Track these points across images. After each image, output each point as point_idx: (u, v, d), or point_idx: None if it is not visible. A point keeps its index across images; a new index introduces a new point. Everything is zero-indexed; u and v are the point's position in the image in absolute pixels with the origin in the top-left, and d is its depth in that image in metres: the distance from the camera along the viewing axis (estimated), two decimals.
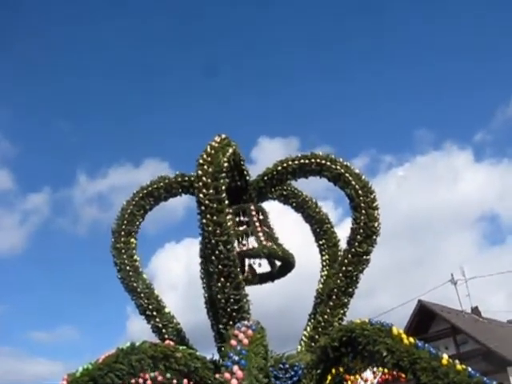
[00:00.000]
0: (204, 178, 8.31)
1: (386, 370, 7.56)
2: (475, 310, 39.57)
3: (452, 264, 68.38)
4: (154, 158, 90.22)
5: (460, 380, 5.71)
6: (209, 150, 8.70)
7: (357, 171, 9.73)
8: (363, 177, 9.66)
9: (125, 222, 10.19)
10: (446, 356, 6.16)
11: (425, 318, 34.83)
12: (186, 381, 7.22)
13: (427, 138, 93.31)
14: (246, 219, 10.08)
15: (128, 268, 9.82)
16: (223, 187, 8.42)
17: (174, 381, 7.04)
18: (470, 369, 5.97)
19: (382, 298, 65.15)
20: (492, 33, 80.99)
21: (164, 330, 9.63)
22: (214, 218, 8.12)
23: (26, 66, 76.52)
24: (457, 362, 6.10)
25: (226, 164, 8.62)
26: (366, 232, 9.23)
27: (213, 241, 8.08)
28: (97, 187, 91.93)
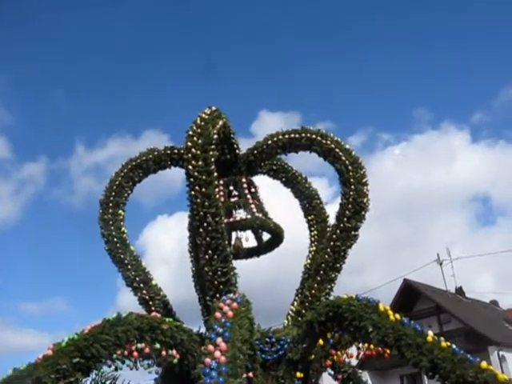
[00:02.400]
0: (193, 150, 8.24)
1: (371, 346, 7.64)
2: (459, 290, 40.08)
3: (442, 244, 68.97)
4: (155, 130, 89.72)
5: (444, 357, 5.74)
6: (199, 121, 8.61)
7: (347, 146, 9.70)
8: (353, 152, 9.63)
9: (113, 193, 10.14)
10: (431, 333, 6.20)
11: (410, 297, 35.24)
12: (174, 352, 7.25)
13: (425, 117, 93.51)
14: (237, 191, 10.07)
15: (115, 240, 9.79)
16: (212, 159, 8.35)
17: (163, 352, 7.06)
18: (454, 346, 6.01)
19: (371, 276, 65.67)
20: (497, 16, 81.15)
21: (151, 302, 9.62)
22: (203, 189, 8.06)
23: (24, 32, 75.66)
24: (442, 339, 6.15)
25: (215, 136, 8.54)
26: (354, 207, 9.21)
27: (201, 213, 8.03)
28: (94, 158, 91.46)
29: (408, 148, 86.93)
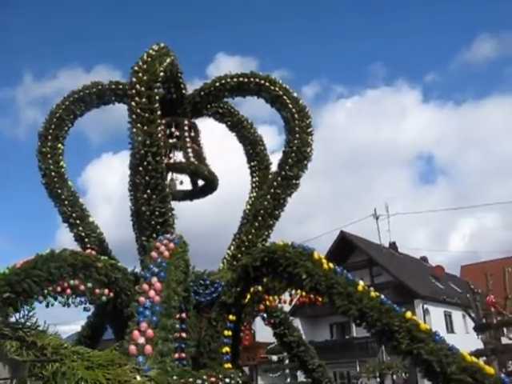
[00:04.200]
0: (138, 86, 8.02)
1: (303, 293, 7.77)
2: (393, 245, 41.25)
3: (384, 199, 70.59)
4: (107, 65, 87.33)
5: (372, 306, 5.89)
6: (145, 57, 8.36)
7: (295, 95, 9.64)
8: (301, 101, 9.58)
9: (52, 126, 9.84)
10: (361, 283, 6.34)
11: (345, 248, 35.97)
12: (106, 291, 7.19)
13: (380, 73, 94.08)
14: (178, 133, 9.91)
15: (53, 174, 9.55)
16: (157, 97, 8.17)
17: (97, 290, 7.00)
18: (382, 296, 6.17)
19: (313, 226, 66.85)
20: None
21: (86, 240, 9.50)
22: (145, 127, 7.89)
23: None
24: (371, 289, 6.30)
25: (162, 74, 8.33)
26: (297, 156, 9.23)
27: (142, 151, 7.87)
28: (42, 89, 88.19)
29: (360, 102, 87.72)
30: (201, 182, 10.50)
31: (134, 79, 8.11)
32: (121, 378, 1.61)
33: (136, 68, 8.22)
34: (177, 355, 7.35)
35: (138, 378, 1.68)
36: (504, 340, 18.38)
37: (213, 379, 6.88)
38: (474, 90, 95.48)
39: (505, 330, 18.54)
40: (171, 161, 9.59)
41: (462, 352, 5.39)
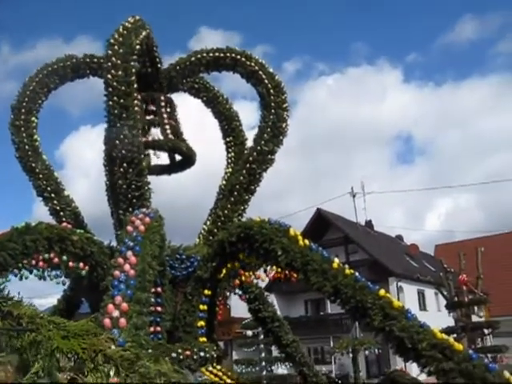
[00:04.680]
0: (114, 59, 7.92)
1: (279, 269, 7.82)
2: (368, 223, 41.59)
3: (362, 177, 71.04)
4: (87, 36, 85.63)
5: (346, 283, 5.96)
6: (121, 30, 8.26)
7: (271, 70, 9.61)
8: (277, 77, 9.56)
9: (26, 99, 9.69)
10: (336, 260, 6.39)
11: (321, 225, 36.19)
12: (82, 264, 7.17)
13: (363, 52, 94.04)
14: (154, 109, 9.85)
15: (27, 147, 9.43)
16: (133, 70, 8.08)
17: (72, 263, 6.97)
18: (357, 274, 6.24)
19: (290, 203, 67.13)
20: None
21: (62, 213, 9.43)
22: (121, 100, 7.81)
23: None
24: (346, 266, 6.36)
25: (137, 47, 8.25)
26: (273, 131, 9.23)
27: (118, 124, 7.80)
28: (21, 59, 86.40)
29: (341, 80, 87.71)
30: (179, 157, 10.45)
31: (110, 52, 8.01)
32: (96, 348, 1.62)
33: (112, 41, 8.12)
34: (152, 329, 7.39)
35: (113, 347, 1.70)
36: (474, 318, 18.74)
37: (188, 352, 6.94)
38: (454, 71, 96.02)
39: (475, 308, 18.88)
40: (150, 138, 9.55)
41: (432, 329, 5.49)
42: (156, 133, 9.73)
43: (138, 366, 1.55)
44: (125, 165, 7.88)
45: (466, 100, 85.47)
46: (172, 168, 10.65)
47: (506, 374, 4.94)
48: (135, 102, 8.10)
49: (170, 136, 9.66)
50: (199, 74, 10.36)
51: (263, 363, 24.69)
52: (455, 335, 15.42)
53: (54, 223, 7.98)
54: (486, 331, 17.32)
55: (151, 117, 9.83)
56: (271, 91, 9.32)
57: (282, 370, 26.39)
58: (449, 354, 5.13)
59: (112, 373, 1.53)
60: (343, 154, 73.98)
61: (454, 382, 5.00)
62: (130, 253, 6.25)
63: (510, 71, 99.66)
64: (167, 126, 9.72)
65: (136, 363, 1.57)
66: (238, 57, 9.67)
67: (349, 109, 77.06)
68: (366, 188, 37.88)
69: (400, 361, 19.23)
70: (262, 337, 24.12)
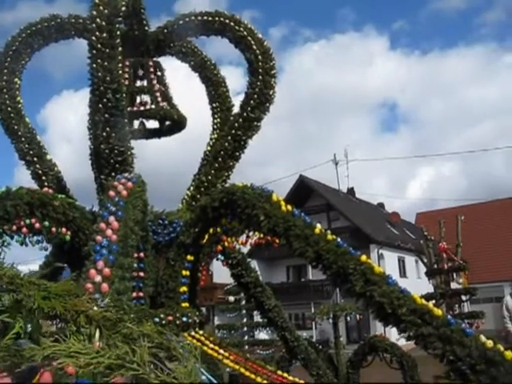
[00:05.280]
0: (98, 20, 7.75)
1: (261, 235, 7.85)
2: (350, 191, 41.91)
3: (347, 145, 71.02)
4: None
5: (328, 248, 5.98)
6: None
7: (260, 36, 9.48)
8: (265, 42, 9.43)
9: (8, 59, 9.47)
10: (319, 226, 6.41)
11: (303, 192, 36.42)
12: (64, 229, 7.13)
13: (349, 18, 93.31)
14: (143, 74, 9.74)
15: (9, 109, 9.26)
16: (118, 32, 7.92)
17: (54, 229, 6.93)
18: (339, 239, 6.27)
19: (274, 169, 67.29)
20: None
21: (44, 177, 9.32)
22: (105, 63, 7.65)
23: None
24: (328, 232, 6.39)
25: (123, 8, 8.09)
26: (260, 98, 9.15)
27: (101, 88, 7.65)
28: (1, 20, 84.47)
29: (327, 46, 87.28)
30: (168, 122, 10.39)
31: (95, 13, 7.84)
32: (78, 308, 1.62)
33: (96, 1, 7.93)
34: (135, 294, 7.40)
35: (95, 308, 1.70)
36: (453, 285, 19.03)
37: (170, 317, 6.98)
38: (441, 40, 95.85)
39: (454, 275, 19.16)
40: (141, 108, 9.51)
41: (412, 295, 5.55)
42: (146, 100, 9.64)
43: (121, 327, 1.56)
44: (108, 129, 7.77)
45: (452, 69, 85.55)
46: (161, 132, 10.56)
47: (482, 338, 5.06)
48: (119, 65, 7.98)
49: (161, 104, 9.57)
50: (187, 37, 10.21)
51: (245, 328, 24.96)
52: (434, 301, 15.65)
53: (35, 188, 7.89)
54: (464, 298, 17.61)
55: (141, 83, 9.70)
56: (259, 57, 9.20)
57: (263, 335, 26.71)
58: (428, 319, 5.21)
59: (95, 334, 1.53)
60: (328, 121, 74.09)
61: (433, 347, 5.09)
62: (112, 218, 6.22)
63: (496, 41, 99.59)
64: (158, 93, 9.62)
65: (118, 324, 1.57)
66: (227, 21, 9.51)
67: (334, 76, 76.90)
68: (349, 155, 38.15)
69: (380, 326, 19.55)
70: (244, 302, 24.33)
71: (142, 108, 9.57)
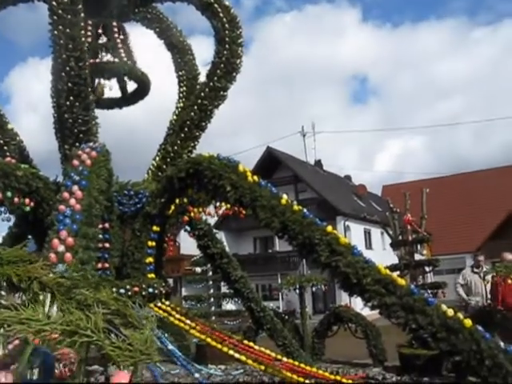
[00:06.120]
0: None
1: (228, 205, 7.82)
2: (318, 163, 42.04)
3: (315, 117, 70.85)
4: None
5: (294, 219, 5.99)
6: None
7: (227, 3, 9.33)
8: (232, 10, 9.28)
9: None
10: (285, 196, 6.41)
11: (271, 164, 36.44)
12: (27, 200, 6.99)
13: None
14: (107, 35, 9.47)
15: None
16: None
17: (16, 199, 6.78)
18: (305, 210, 6.28)
19: (242, 140, 66.99)
20: None
21: (6, 147, 9.09)
22: (67, 30, 7.46)
23: None
24: (295, 203, 6.39)
25: None
26: (226, 67, 9.04)
27: (64, 56, 7.47)
28: None
29: (299, 17, 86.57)
30: (130, 89, 10.16)
31: None
32: (31, 275, 1.57)
33: None
34: (100, 265, 7.35)
35: (51, 275, 1.65)
36: (417, 256, 19.32)
37: (136, 288, 6.94)
38: (412, 13, 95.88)
39: (418, 246, 19.45)
40: (104, 59, 9.19)
41: (377, 265, 5.61)
42: (109, 57, 9.36)
43: (76, 294, 1.52)
44: (71, 98, 7.60)
45: (422, 43, 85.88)
46: (124, 100, 10.34)
47: (444, 307, 5.18)
48: (83, 31, 7.77)
49: (126, 60, 9.32)
50: (152, 3, 9.98)
51: (212, 299, 25.03)
52: (399, 272, 15.88)
53: None
54: (427, 269, 17.87)
55: (104, 41, 9.42)
56: (226, 25, 9.06)
57: (230, 305, 26.85)
58: (392, 288, 5.29)
59: (48, 301, 1.49)
60: (298, 93, 73.89)
61: (396, 316, 5.18)
62: (75, 187, 6.13)
63: (467, 15, 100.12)
64: (122, 50, 9.34)
65: (73, 291, 1.53)
66: None
67: (306, 47, 76.52)
68: (319, 127, 38.32)
69: (345, 297, 19.80)
70: (210, 273, 24.37)
71: (105, 60, 9.28)
